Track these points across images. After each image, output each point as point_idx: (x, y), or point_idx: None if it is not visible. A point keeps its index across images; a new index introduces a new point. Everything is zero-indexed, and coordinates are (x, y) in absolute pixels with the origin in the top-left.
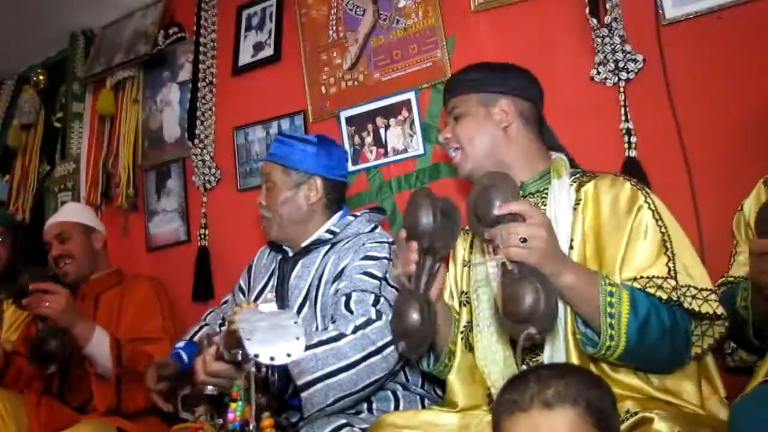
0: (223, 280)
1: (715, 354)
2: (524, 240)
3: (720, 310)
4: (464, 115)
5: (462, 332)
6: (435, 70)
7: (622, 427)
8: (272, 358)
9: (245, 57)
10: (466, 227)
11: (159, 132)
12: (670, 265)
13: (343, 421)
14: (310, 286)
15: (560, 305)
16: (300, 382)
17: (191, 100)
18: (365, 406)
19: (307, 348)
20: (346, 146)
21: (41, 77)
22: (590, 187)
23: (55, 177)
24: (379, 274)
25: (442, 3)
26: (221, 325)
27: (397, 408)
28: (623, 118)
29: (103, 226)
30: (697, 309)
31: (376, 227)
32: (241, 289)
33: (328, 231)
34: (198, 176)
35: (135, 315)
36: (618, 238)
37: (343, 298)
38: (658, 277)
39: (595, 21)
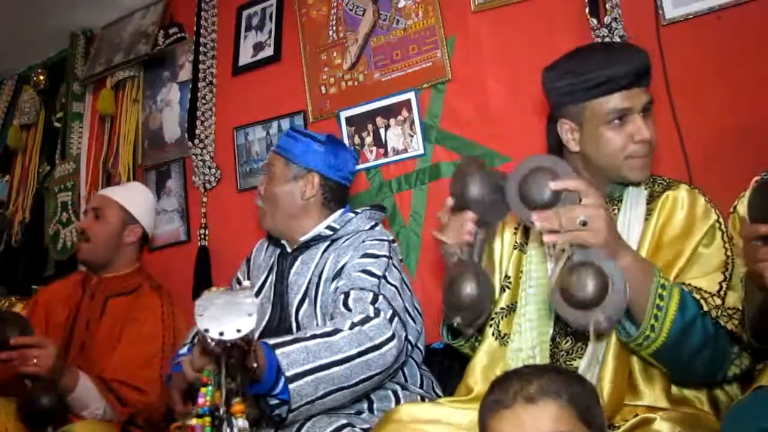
0: (223, 280)
1: None
2: (584, 223)
3: (738, 333)
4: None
5: (494, 318)
6: (435, 70)
7: (623, 428)
8: (221, 333)
9: (245, 57)
10: None
11: (159, 132)
12: (723, 284)
13: (344, 421)
14: (309, 282)
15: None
16: (289, 373)
17: (191, 100)
18: (366, 405)
19: (300, 341)
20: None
21: (41, 77)
22: (666, 197)
23: (55, 177)
24: (378, 273)
25: (442, 3)
26: None
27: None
28: None
29: (150, 221)
30: (733, 329)
31: (376, 225)
32: (239, 282)
33: (329, 227)
34: (198, 176)
35: (133, 347)
36: (685, 246)
37: (342, 296)
38: (705, 291)
39: (595, 21)
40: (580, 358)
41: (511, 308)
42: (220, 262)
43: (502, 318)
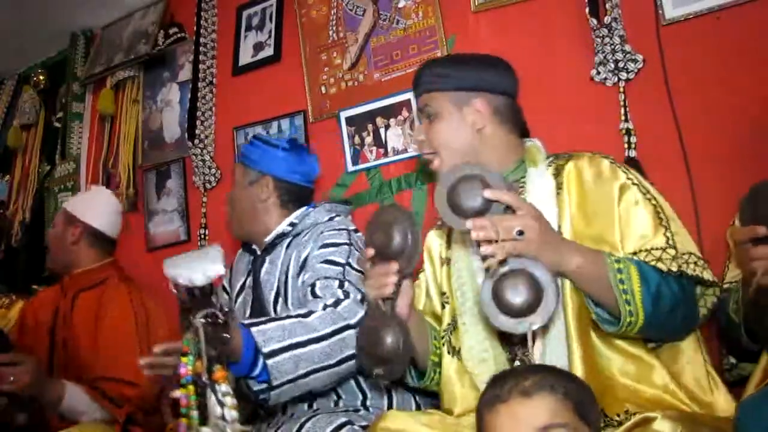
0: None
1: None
2: (521, 233)
3: (708, 276)
4: (437, 116)
5: (443, 336)
6: None
7: (622, 427)
8: (191, 280)
9: (245, 57)
10: (439, 221)
11: (159, 132)
12: (668, 234)
13: (344, 419)
14: (279, 280)
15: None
16: (266, 349)
17: (191, 100)
18: (360, 401)
19: (275, 320)
20: (346, 146)
21: (41, 77)
22: (570, 168)
23: (55, 177)
24: (341, 260)
25: (442, 3)
26: None
27: (390, 404)
28: (623, 118)
29: (97, 216)
30: (699, 275)
31: (336, 216)
32: (224, 289)
33: (290, 224)
34: (198, 176)
35: (110, 340)
36: (609, 213)
37: (309, 288)
38: (657, 249)
39: (595, 21)
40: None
41: (456, 323)
42: None
43: (450, 333)
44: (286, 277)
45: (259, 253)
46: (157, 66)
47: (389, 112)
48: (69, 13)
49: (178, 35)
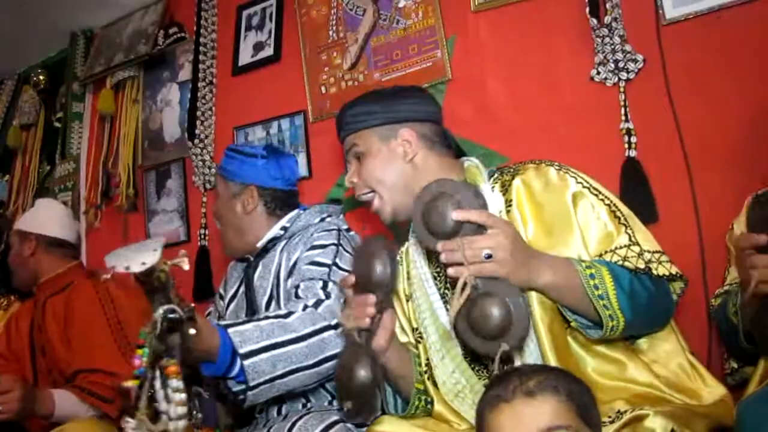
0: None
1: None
2: (489, 255)
3: (674, 270)
4: (366, 154)
5: (426, 371)
6: (435, 70)
7: (614, 426)
8: (127, 267)
9: (245, 57)
10: (399, 257)
11: (159, 132)
12: (629, 232)
13: (335, 418)
14: (271, 284)
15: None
16: (242, 350)
17: (191, 100)
18: None
19: (252, 321)
20: None
21: (41, 77)
22: (517, 183)
23: (55, 177)
24: (328, 261)
25: (442, 3)
26: None
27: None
28: (623, 118)
29: (47, 225)
30: (660, 273)
31: (327, 216)
32: (221, 297)
33: (282, 228)
34: (198, 176)
35: (83, 333)
36: (567, 222)
37: (293, 290)
38: (621, 247)
39: (595, 21)
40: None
41: (429, 356)
42: (220, 262)
43: (430, 369)
44: (278, 280)
45: (252, 259)
46: (157, 66)
47: None
48: (69, 13)
49: (178, 35)
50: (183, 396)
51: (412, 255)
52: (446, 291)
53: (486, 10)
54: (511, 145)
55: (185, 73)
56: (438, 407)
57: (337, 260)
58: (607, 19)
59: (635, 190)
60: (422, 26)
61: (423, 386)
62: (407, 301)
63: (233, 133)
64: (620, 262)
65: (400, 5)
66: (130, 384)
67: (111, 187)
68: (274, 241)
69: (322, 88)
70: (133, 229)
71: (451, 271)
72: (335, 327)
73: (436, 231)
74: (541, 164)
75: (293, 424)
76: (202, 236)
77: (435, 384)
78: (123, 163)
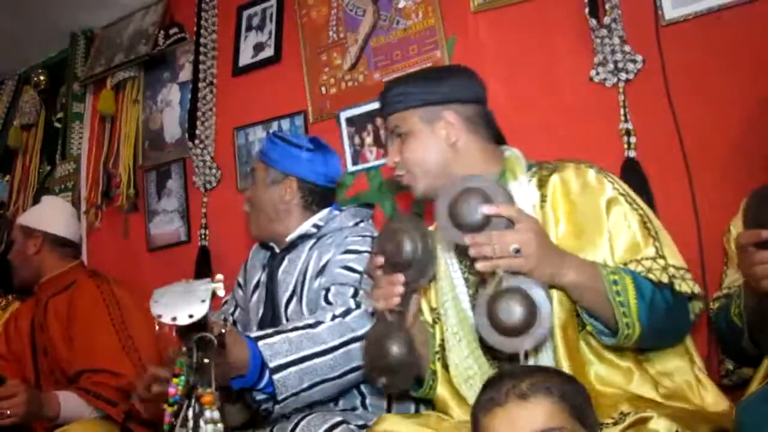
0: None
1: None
2: (517, 250)
3: (697, 290)
4: (408, 135)
5: (438, 352)
6: None
7: (618, 427)
8: (174, 318)
9: (245, 57)
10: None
11: (159, 132)
12: (657, 245)
13: (339, 418)
14: (296, 280)
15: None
16: (272, 364)
17: (192, 101)
18: (359, 401)
19: (282, 332)
20: (346, 147)
21: (41, 77)
22: (555, 180)
23: (55, 177)
24: (360, 268)
25: (442, 3)
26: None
27: (389, 404)
28: (623, 118)
29: (54, 223)
30: (680, 289)
31: (361, 221)
32: (239, 285)
33: (314, 225)
34: (198, 176)
35: (87, 333)
36: (598, 225)
37: (323, 292)
38: (647, 259)
39: (594, 21)
40: (526, 357)
41: (445, 338)
42: (220, 263)
43: (443, 350)
44: (304, 277)
45: (278, 251)
46: (158, 66)
47: None
48: (69, 13)
49: (179, 35)
50: (220, 427)
51: (438, 237)
52: (470, 275)
53: (486, 11)
54: (510, 145)
55: (185, 74)
56: (441, 390)
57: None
58: (606, 19)
59: (634, 191)
60: (422, 26)
61: (435, 367)
62: (430, 281)
63: (233, 134)
64: (644, 273)
65: (400, 6)
66: (167, 411)
67: (111, 187)
68: (304, 237)
69: (322, 89)
70: (134, 229)
71: (479, 265)
72: (361, 338)
73: (463, 224)
74: (581, 165)
75: (296, 425)
76: (203, 236)
77: (444, 366)
78: (123, 164)
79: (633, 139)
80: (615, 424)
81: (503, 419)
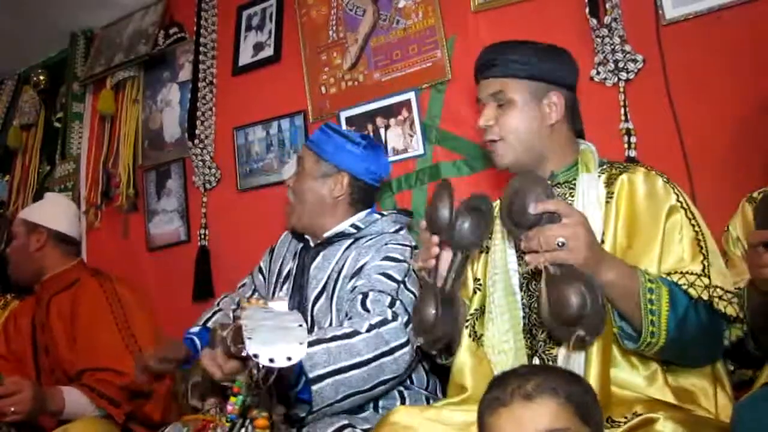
0: (223, 281)
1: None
2: (563, 243)
3: (741, 314)
4: (512, 103)
5: (468, 319)
6: (435, 71)
7: (625, 426)
8: (271, 360)
9: (245, 57)
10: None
11: (159, 132)
12: (705, 263)
13: (345, 422)
14: (328, 278)
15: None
16: (312, 375)
17: (191, 100)
18: (371, 404)
19: (321, 342)
20: None
21: (41, 77)
22: (623, 180)
23: (55, 177)
24: (398, 277)
25: (442, 3)
26: (235, 310)
27: (403, 404)
28: (623, 118)
29: (58, 220)
30: (722, 311)
31: (401, 228)
32: (261, 271)
33: (353, 225)
34: (198, 176)
35: (90, 332)
36: (654, 231)
37: (360, 296)
38: (692, 274)
39: (594, 21)
40: (559, 345)
41: (483, 310)
42: (220, 262)
43: (476, 319)
44: (337, 276)
45: (312, 244)
46: (157, 66)
47: (389, 112)
48: (69, 13)
49: (178, 35)
50: None
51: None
52: (523, 254)
53: (486, 10)
54: None
55: (185, 74)
56: (462, 357)
57: (406, 279)
58: (606, 19)
59: None
60: (422, 26)
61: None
62: (481, 253)
63: (233, 133)
64: (686, 287)
65: (400, 5)
66: (224, 423)
67: (111, 187)
68: (341, 235)
69: (322, 89)
70: (133, 229)
71: (528, 257)
72: (392, 351)
73: (518, 223)
74: (652, 171)
75: (301, 427)
76: (202, 236)
77: (471, 334)
78: (123, 163)
79: (633, 139)
80: (626, 423)
81: (508, 419)
